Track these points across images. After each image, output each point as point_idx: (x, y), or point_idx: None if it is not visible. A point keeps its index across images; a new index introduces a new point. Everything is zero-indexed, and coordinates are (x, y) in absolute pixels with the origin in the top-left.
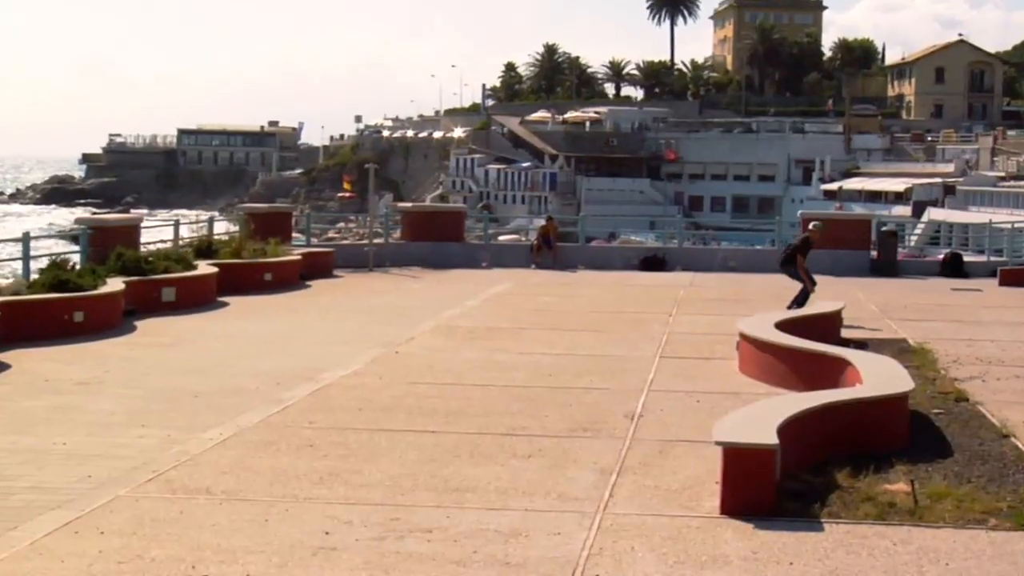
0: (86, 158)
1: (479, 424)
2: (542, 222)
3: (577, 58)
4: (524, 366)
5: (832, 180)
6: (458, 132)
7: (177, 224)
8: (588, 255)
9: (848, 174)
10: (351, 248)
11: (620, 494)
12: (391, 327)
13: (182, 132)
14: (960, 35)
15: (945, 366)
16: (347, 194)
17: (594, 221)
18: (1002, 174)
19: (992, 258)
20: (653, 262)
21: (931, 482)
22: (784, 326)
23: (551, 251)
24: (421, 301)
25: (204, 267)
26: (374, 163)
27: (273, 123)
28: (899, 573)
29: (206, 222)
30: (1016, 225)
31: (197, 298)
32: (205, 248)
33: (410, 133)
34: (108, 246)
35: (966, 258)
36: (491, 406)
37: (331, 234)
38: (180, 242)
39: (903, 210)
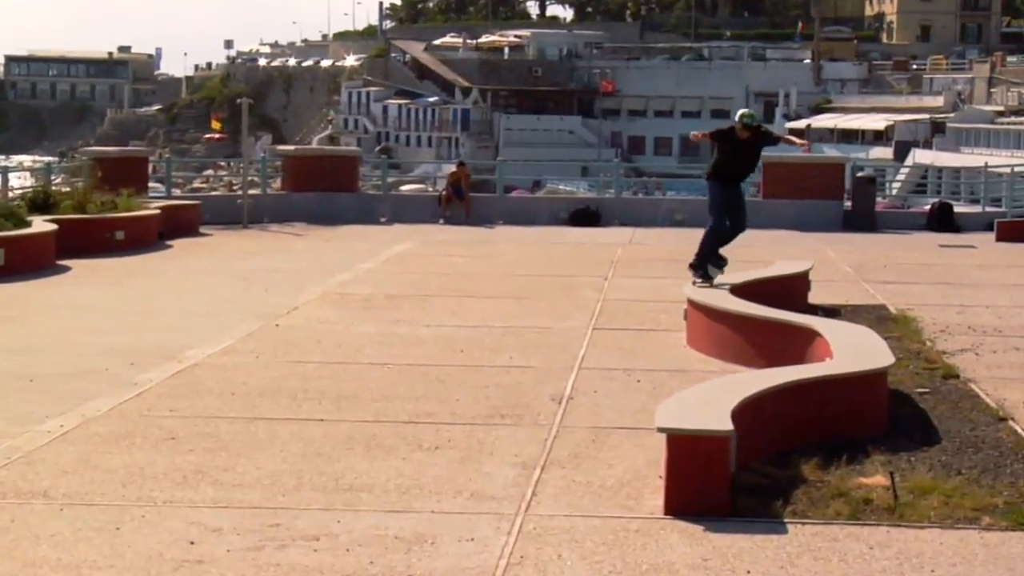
0: None
1: (377, 410)
2: (452, 168)
3: None
4: (431, 341)
5: (799, 117)
6: (350, 60)
7: (5, 172)
8: (508, 208)
9: (818, 110)
10: (221, 200)
11: (545, 492)
12: (270, 295)
13: (10, 59)
14: None
15: (931, 337)
16: (216, 135)
17: (515, 167)
18: (1000, 108)
19: (988, 209)
20: (585, 216)
21: (914, 474)
22: (741, 291)
23: (463, 203)
24: (306, 264)
25: (40, 224)
26: (248, 98)
27: (124, 49)
28: None
29: (42, 169)
30: (1017, 169)
31: (31, 261)
32: (41, 201)
33: (292, 62)
34: None
35: (957, 209)
36: (391, 389)
37: (197, 184)
38: (10, 194)
39: (883, 152)
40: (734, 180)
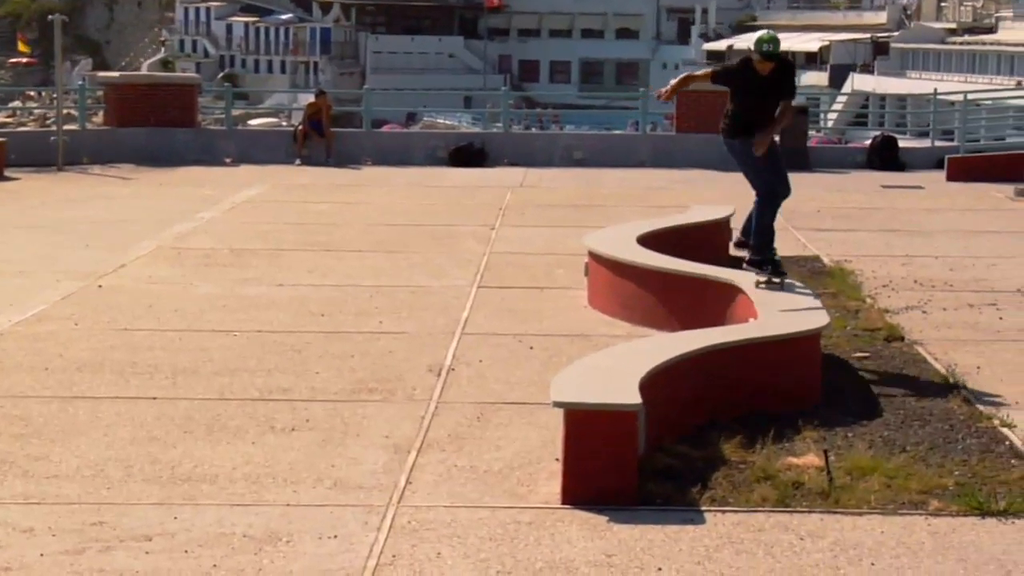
0: None
1: (221, 386)
2: (310, 99)
3: None
4: (285, 303)
5: (719, 37)
6: None
7: None
8: (377, 145)
9: (740, 28)
10: (31, 137)
11: (422, 479)
12: (92, 251)
13: None
14: None
15: (872, 293)
16: (23, 59)
17: (385, 97)
18: (952, 26)
19: (938, 143)
20: (469, 154)
21: (851, 452)
22: (651, 241)
23: (323, 140)
24: (136, 213)
25: None
26: (62, 15)
27: None
28: None
29: None
30: (971, 97)
31: None
32: None
33: None
34: None
35: (902, 144)
36: (238, 360)
37: (1, 118)
38: None
39: (817, 77)
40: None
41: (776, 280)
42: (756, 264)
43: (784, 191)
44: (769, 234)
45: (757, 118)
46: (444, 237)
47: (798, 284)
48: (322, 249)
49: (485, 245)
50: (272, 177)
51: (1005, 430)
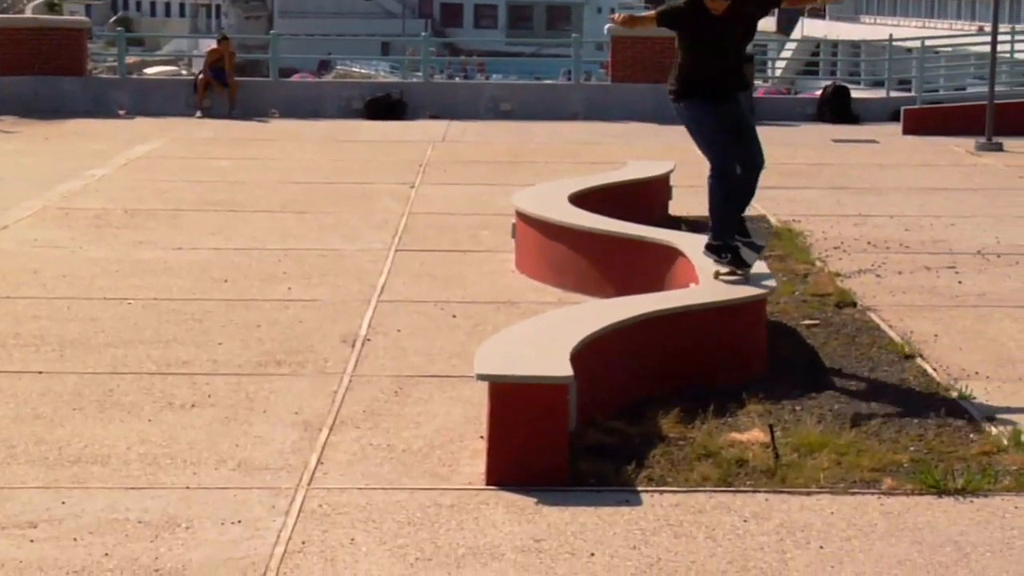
0: None
1: (113, 359)
2: (212, 45)
3: None
4: (185, 268)
5: None
6: None
7: None
8: (285, 96)
9: None
10: None
11: (335, 459)
12: None
13: None
14: None
15: (822, 255)
16: None
17: (294, 44)
18: None
19: (894, 94)
20: (386, 106)
21: (799, 428)
22: (584, 200)
23: (226, 90)
24: (19, 171)
25: None
26: None
27: None
28: (751, 562)
29: None
30: (929, 43)
31: None
32: None
33: None
34: None
35: (855, 94)
36: (133, 331)
37: None
38: None
39: (764, 23)
40: (723, 90)
41: (740, 272)
42: (714, 251)
43: (750, 176)
44: (724, 212)
45: (713, 73)
46: (359, 196)
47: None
48: (225, 209)
49: (404, 205)
50: (170, 131)
51: (964, 402)
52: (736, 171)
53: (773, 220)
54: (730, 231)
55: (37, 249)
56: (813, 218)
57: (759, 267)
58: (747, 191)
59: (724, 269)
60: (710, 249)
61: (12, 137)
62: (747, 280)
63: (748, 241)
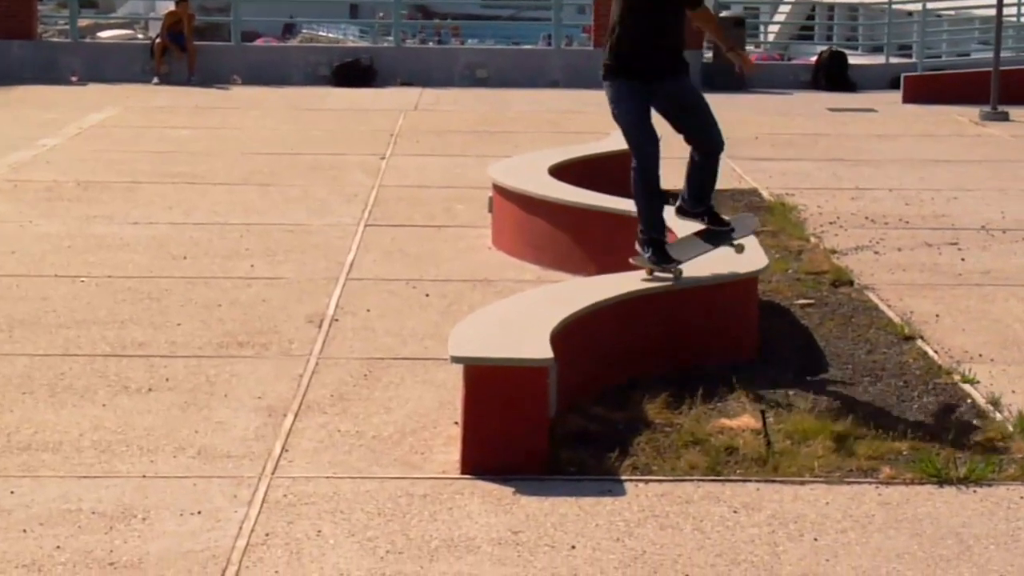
0: None
1: (65, 340)
2: (170, 7)
3: None
4: (141, 244)
5: None
6: None
7: None
8: (248, 62)
9: None
10: None
11: (300, 447)
12: None
13: None
14: None
15: (818, 231)
16: None
17: (258, 7)
18: None
19: (893, 60)
20: (355, 72)
21: (793, 414)
22: (564, 172)
23: (185, 55)
24: None
25: None
26: None
27: None
28: (741, 555)
29: None
30: (930, 6)
31: None
32: None
33: None
34: None
35: (853, 60)
36: (86, 310)
37: None
38: None
39: None
40: (658, 68)
41: (667, 275)
42: (640, 244)
43: (706, 161)
44: (644, 207)
45: (651, 44)
46: (326, 168)
47: (730, 220)
48: (184, 182)
49: (374, 177)
50: (126, 98)
51: (967, 386)
52: (657, 169)
53: (765, 194)
54: (653, 227)
55: None
56: (808, 192)
57: (750, 243)
58: (707, 177)
59: (646, 267)
60: (638, 242)
61: None
62: (678, 279)
63: (718, 229)
